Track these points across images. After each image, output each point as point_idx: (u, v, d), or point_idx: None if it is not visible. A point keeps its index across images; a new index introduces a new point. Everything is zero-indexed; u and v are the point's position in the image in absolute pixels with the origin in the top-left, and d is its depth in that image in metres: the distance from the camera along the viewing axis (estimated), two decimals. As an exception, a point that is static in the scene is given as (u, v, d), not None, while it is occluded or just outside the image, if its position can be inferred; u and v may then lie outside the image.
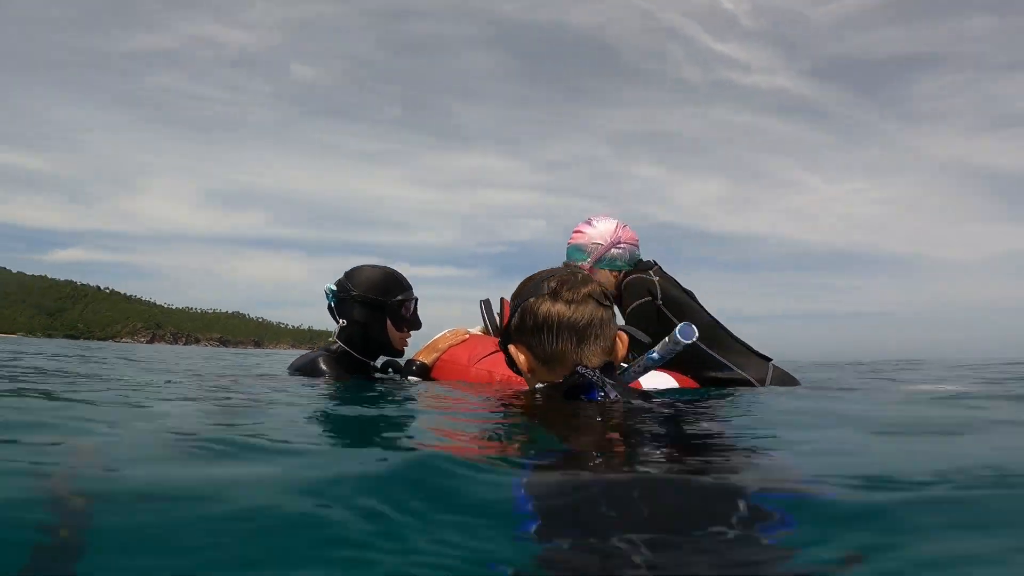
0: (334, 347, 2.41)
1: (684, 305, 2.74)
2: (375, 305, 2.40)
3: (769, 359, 2.84)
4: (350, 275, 2.39)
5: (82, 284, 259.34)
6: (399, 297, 2.46)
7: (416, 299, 2.58)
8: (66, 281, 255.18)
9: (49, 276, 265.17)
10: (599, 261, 2.82)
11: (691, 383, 2.55)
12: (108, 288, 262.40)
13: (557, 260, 2.96)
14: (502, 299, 2.68)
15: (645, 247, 2.93)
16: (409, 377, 2.51)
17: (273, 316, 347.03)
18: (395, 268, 2.59)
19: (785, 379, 2.80)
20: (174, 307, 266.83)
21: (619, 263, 2.82)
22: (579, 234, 2.87)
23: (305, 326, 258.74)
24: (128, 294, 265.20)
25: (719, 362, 2.67)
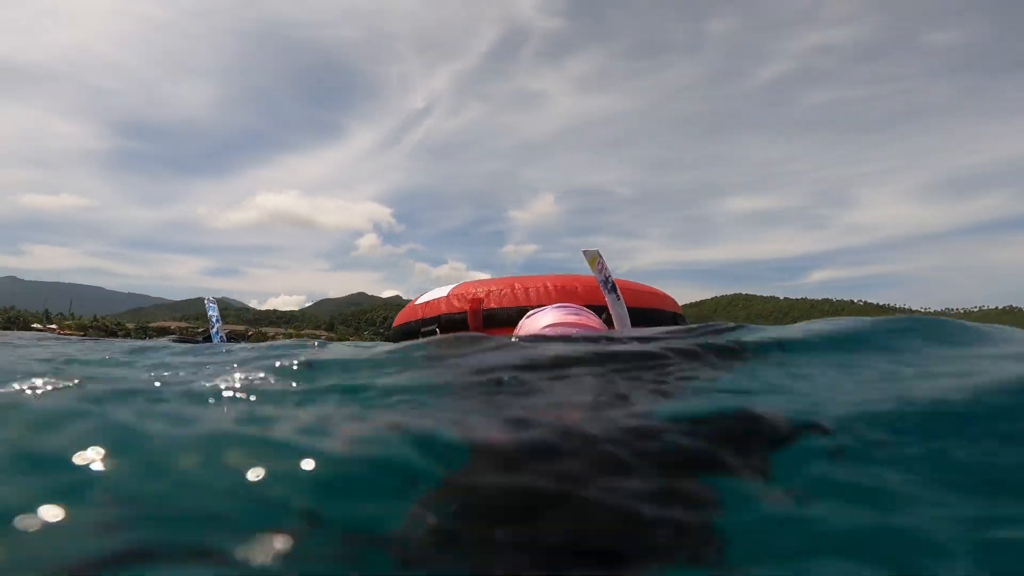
0: None
1: None
2: None
3: None
4: None
5: (836, 300, 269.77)
6: None
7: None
8: (823, 299, 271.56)
9: (808, 297, 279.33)
10: None
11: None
12: (861, 301, 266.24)
13: None
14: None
15: None
16: None
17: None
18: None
19: None
20: (932, 310, 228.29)
21: None
22: None
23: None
24: (880, 303, 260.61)
25: None
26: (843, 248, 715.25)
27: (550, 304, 2.85)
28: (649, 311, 4.09)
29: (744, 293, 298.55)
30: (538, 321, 2.33)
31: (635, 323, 3.59)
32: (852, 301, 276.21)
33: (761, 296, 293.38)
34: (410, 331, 4.23)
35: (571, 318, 2.30)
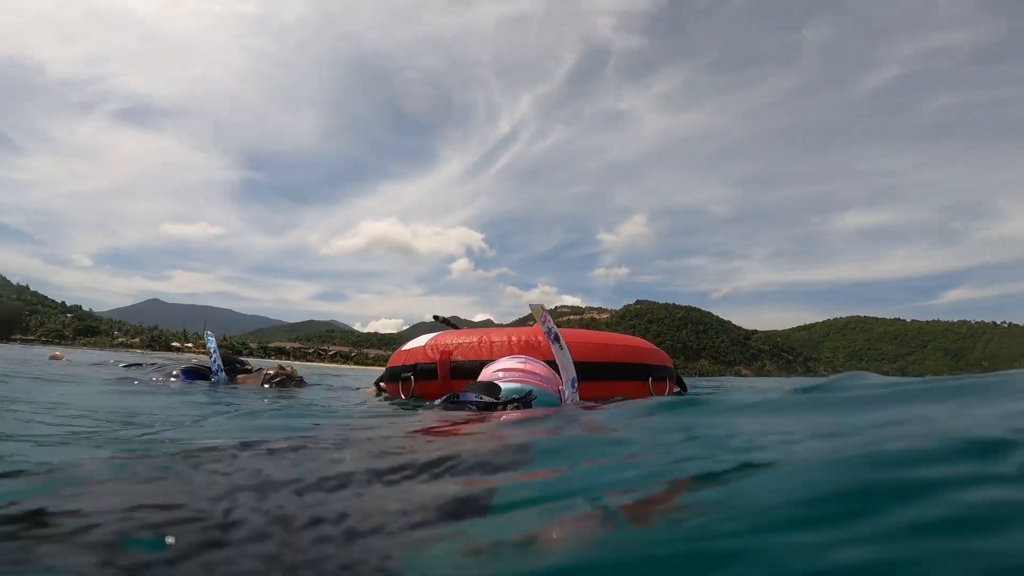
0: None
1: None
2: None
3: None
4: None
5: (975, 322, 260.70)
6: None
7: None
8: (959, 321, 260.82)
9: (941, 319, 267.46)
10: None
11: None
12: (1005, 322, 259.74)
13: None
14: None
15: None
16: None
17: None
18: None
19: None
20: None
21: None
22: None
23: None
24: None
25: None
26: (982, 265, 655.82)
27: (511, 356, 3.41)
28: (614, 365, 4.19)
29: (862, 316, 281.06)
30: (491, 368, 2.94)
31: (600, 376, 3.88)
32: (994, 323, 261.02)
33: (883, 319, 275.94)
34: (395, 374, 4.65)
35: (518, 365, 2.90)
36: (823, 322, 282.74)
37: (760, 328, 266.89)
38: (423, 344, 4.48)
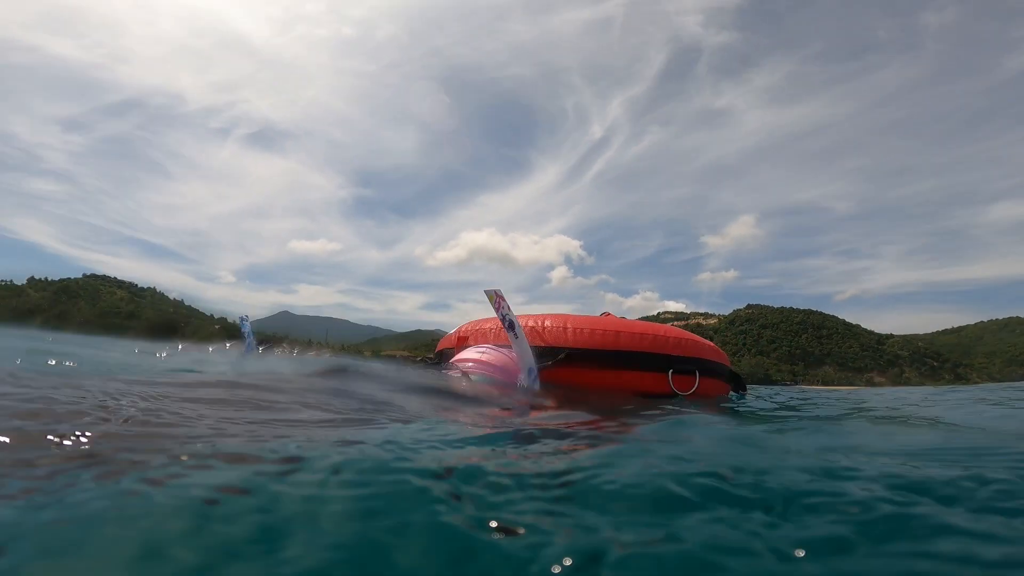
0: None
1: None
2: None
3: None
4: None
5: None
6: None
7: None
8: None
9: None
10: None
11: None
12: None
13: None
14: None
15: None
16: None
17: None
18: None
19: None
20: None
21: None
22: None
23: None
24: None
25: None
26: None
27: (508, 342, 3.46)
28: (624, 354, 3.83)
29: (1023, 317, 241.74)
30: (454, 359, 3.01)
31: (608, 366, 3.68)
32: None
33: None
34: (430, 362, 5.02)
35: (475, 355, 2.95)
36: (975, 324, 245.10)
37: (895, 332, 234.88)
38: (452, 332, 4.81)
